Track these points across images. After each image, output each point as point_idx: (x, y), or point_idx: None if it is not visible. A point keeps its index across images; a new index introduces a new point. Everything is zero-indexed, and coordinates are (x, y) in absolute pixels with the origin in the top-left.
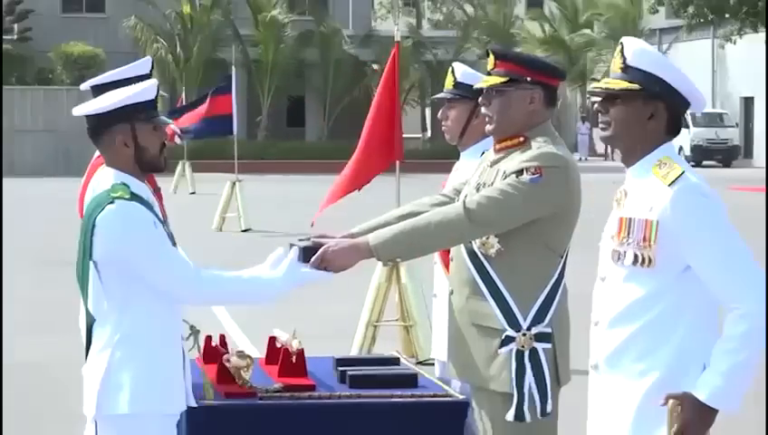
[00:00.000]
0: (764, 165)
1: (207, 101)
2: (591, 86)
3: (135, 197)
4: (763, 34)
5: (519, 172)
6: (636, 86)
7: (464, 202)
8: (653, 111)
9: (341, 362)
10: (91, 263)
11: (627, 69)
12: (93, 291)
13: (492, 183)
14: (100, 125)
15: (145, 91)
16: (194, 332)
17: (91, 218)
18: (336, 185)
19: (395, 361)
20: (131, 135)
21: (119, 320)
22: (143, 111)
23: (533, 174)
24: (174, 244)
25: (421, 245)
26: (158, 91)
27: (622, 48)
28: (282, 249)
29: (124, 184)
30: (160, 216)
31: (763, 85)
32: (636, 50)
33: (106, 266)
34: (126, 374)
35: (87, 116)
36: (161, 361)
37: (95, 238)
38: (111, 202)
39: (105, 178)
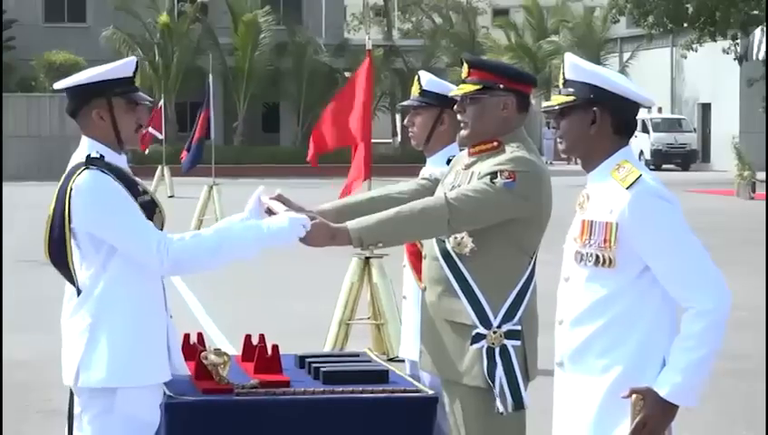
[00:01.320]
0: (723, 169)
1: (197, 125)
2: (543, 105)
3: (108, 166)
4: (719, 43)
5: (493, 175)
6: (571, 98)
7: (445, 195)
8: (592, 117)
9: (305, 358)
10: (68, 230)
11: (566, 83)
12: (74, 258)
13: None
14: (77, 98)
15: (122, 66)
16: None
17: (67, 187)
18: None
19: (358, 356)
20: (107, 109)
21: (96, 287)
22: (119, 86)
23: (507, 178)
24: (151, 217)
25: (403, 232)
26: (136, 68)
27: (563, 65)
28: (257, 193)
29: (99, 154)
30: (140, 187)
31: (720, 92)
32: (570, 64)
33: (82, 233)
34: (104, 345)
35: (66, 91)
36: (141, 330)
37: (72, 206)
38: (85, 169)
39: (81, 148)
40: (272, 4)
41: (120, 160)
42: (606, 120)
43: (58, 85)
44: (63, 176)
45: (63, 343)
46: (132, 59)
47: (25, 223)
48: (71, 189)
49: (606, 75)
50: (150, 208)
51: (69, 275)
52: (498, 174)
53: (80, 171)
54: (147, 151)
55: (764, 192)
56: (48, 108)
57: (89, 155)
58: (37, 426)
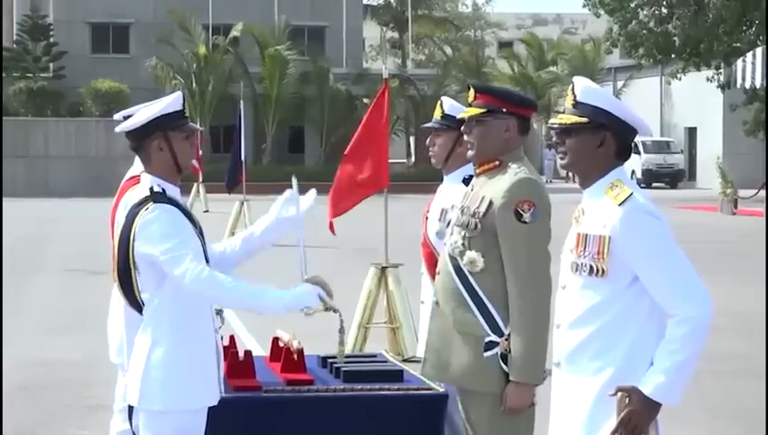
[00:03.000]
0: (708, 186)
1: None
2: (550, 122)
3: (171, 201)
4: (703, 72)
5: (517, 215)
6: (584, 119)
7: (522, 280)
8: (601, 139)
9: (327, 358)
10: (132, 258)
11: (577, 105)
12: (136, 287)
13: (477, 208)
14: (138, 138)
15: (172, 103)
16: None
17: (134, 219)
18: (336, 200)
19: (375, 357)
20: (166, 142)
21: (155, 316)
22: (173, 120)
23: (529, 209)
24: (204, 248)
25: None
26: (184, 102)
27: (573, 87)
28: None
29: (162, 189)
30: (196, 220)
31: (705, 117)
32: (583, 88)
33: (143, 264)
34: (160, 372)
35: (127, 133)
36: (193, 358)
37: (138, 236)
38: (152, 203)
39: (143, 183)
40: (297, 36)
41: (176, 192)
42: (612, 144)
43: (119, 129)
44: (127, 210)
45: (131, 362)
46: (179, 94)
47: (72, 236)
48: (137, 223)
49: (619, 103)
50: (203, 239)
51: (133, 300)
52: (519, 209)
53: (147, 206)
54: (200, 176)
55: (746, 208)
56: (95, 131)
57: (152, 188)
58: (82, 419)
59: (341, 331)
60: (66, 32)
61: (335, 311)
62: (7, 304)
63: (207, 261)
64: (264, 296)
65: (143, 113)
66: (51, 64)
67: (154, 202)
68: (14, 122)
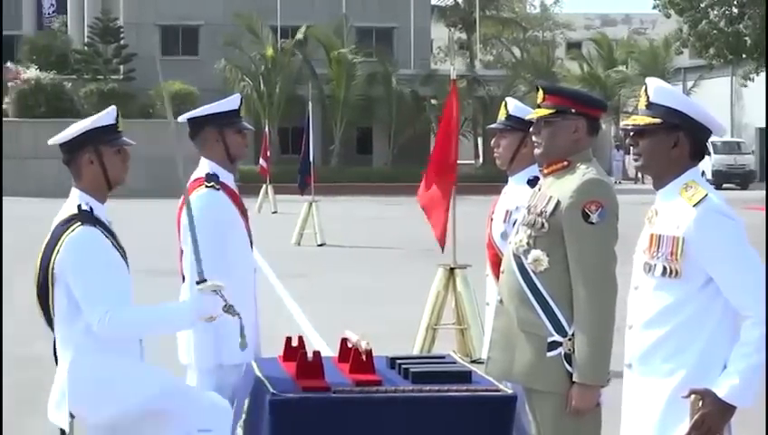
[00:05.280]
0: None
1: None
2: (623, 123)
3: (97, 221)
4: None
5: (584, 215)
6: (658, 120)
7: (588, 278)
8: (675, 140)
9: (395, 359)
10: (51, 276)
11: (650, 105)
12: (51, 303)
13: (544, 208)
14: (69, 151)
15: (105, 116)
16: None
17: (59, 238)
18: (434, 212)
19: (443, 358)
20: (96, 156)
21: (78, 334)
22: (105, 134)
23: (597, 209)
24: (127, 265)
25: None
26: (117, 115)
27: (646, 88)
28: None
29: (89, 207)
30: (119, 240)
31: None
32: (656, 88)
33: (60, 284)
34: (87, 387)
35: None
36: (114, 372)
37: (58, 259)
38: (78, 225)
39: (72, 199)
40: (365, 37)
41: (102, 210)
42: (685, 145)
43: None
44: (56, 227)
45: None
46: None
47: (142, 236)
48: (62, 241)
49: (692, 103)
50: (124, 256)
51: (47, 314)
52: (586, 210)
53: (73, 226)
54: (268, 178)
55: None
56: (164, 132)
57: (80, 206)
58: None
59: (242, 335)
60: (136, 34)
61: (234, 313)
62: None
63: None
64: (168, 317)
65: (75, 126)
66: (121, 67)
67: (81, 223)
68: None
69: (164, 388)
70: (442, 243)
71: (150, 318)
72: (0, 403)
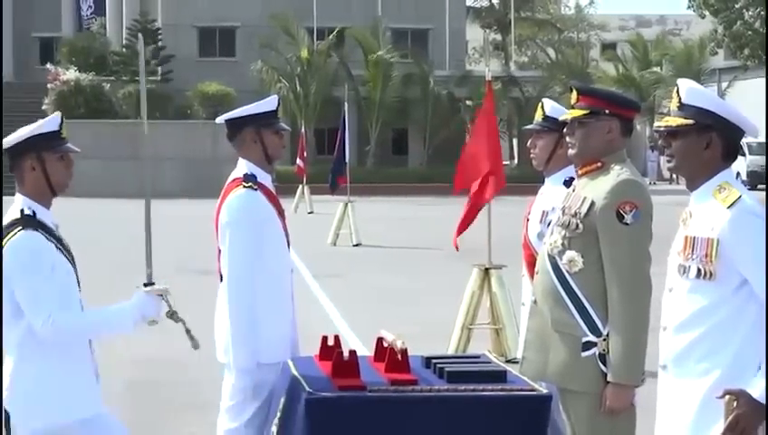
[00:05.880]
0: None
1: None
2: (656, 124)
3: (40, 225)
4: None
5: (618, 216)
6: (690, 121)
7: (625, 276)
8: (708, 141)
9: (430, 359)
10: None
11: (682, 107)
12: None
13: (578, 209)
14: (12, 157)
15: (47, 123)
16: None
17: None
18: (466, 214)
19: (478, 358)
20: (38, 162)
21: (23, 337)
22: (47, 140)
23: (631, 210)
24: (75, 271)
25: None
26: (61, 122)
27: (678, 89)
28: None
29: (32, 212)
30: (65, 243)
31: None
32: (688, 90)
33: (3, 288)
34: (30, 387)
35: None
36: (63, 374)
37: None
38: (19, 229)
39: (16, 204)
40: (400, 39)
41: (47, 215)
42: (718, 145)
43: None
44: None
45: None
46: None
47: (179, 236)
48: (4, 246)
49: (724, 104)
50: (72, 259)
51: None
52: (620, 211)
53: (14, 231)
54: (304, 178)
55: None
56: (201, 133)
57: (22, 210)
58: (190, 417)
59: (191, 337)
60: (174, 36)
61: (178, 320)
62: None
63: (79, 282)
64: (111, 320)
65: (19, 132)
66: (159, 68)
67: (23, 228)
68: (123, 125)
69: (90, 414)
70: (455, 243)
71: (93, 321)
72: (0, 404)
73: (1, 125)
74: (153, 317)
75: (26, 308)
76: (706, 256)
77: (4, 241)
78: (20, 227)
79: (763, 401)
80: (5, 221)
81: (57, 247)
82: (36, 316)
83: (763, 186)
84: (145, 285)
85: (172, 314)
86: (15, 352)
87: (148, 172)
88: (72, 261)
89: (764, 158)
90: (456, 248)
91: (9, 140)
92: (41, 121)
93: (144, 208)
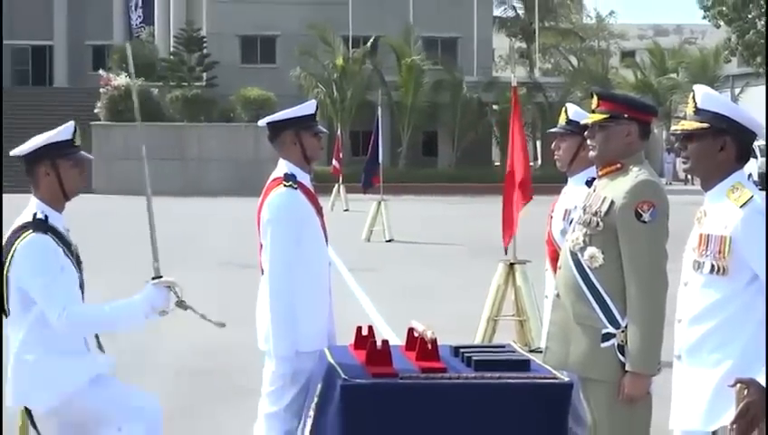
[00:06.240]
0: None
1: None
2: (672, 128)
3: (50, 229)
4: None
5: (637, 215)
6: (705, 125)
7: (641, 268)
8: (722, 144)
9: (458, 348)
10: (5, 277)
11: (698, 111)
12: (6, 298)
13: (599, 208)
14: (28, 163)
15: (62, 132)
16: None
17: (12, 245)
18: (507, 217)
19: (504, 347)
20: (53, 169)
21: (27, 327)
22: (61, 148)
23: (649, 209)
24: (80, 275)
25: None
26: (74, 131)
27: (694, 95)
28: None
29: (44, 216)
30: (74, 247)
31: None
32: (703, 95)
33: (13, 286)
34: (28, 372)
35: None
36: (57, 363)
37: (12, 262)
38: (30, 233)
39: (29, 208)
40: (430, 47)
41: (58, 219)
42: (732, 148)
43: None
44: (10, 234)
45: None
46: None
47: (223, 233)
48: (15, 247)
49: (737, 108)
50: (79, 265)
51: (2, 308)
52: (639, 210)
53: (25, 234)
54: (340, 178)
55: None
56: (243, 136)
57: (35, 214)
58: (233, 401)
59: (209, 320)
60: (218, 44)
61: (186, 307)
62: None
63: (83, 287)
64: (123, 312)
65: (33, 140)
66: (204, 74)
67: (33, 231)
68: (170, 127)
69: (97, 381)
70: (506, 244)
71: (105, 313)
72: (0, 400)
73: (1, 128)
74: (163, 308)
75: (42, 304)
76: (720, 252)
77: (16, 243)
78: (31, 230)
79: None
80: (18, 223)
81: (65, 253)
82: (52, 310)
83: None
84: (153, 278)
85: (181, 304)
86: (18, 347)
87: (146, 171)
88: (78, 267)
89: None
90: (506, 251)
91: (25, 148)
92: (56, 130)
93: (147, 206)
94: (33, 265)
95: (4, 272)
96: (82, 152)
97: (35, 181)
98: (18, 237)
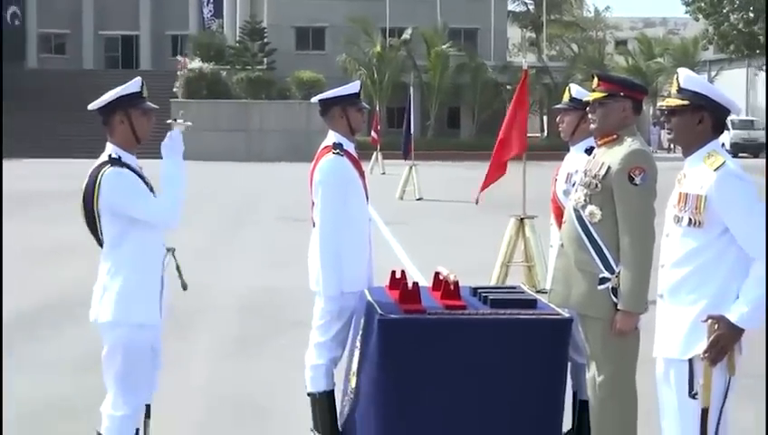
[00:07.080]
0: None
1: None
2: (659, 104)
3: (124, 164)
4: None
5: (630, 178)
6: (686, 102)
7: (633, 231)
8: (700, 118)
9: (477, 289)
10: (96, 210)
11: (680, 90)
12: (99, 230)
13: (597, 172)
14: (105, 114)
15: (130, 85)
16: (170, 251)
17: (97, 177)
18: (489, 172)
19: (515, 288)
20: (126, 117)
21: (119, 253)
22: (131, 99)
23: (640, 173)
24: (152, 191)
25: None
26: (142, 85)
27: (677, 76)
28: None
29: (118, 156)
30: (147, 179)
31: None
32: (685, 77)
33: (104, 213)
34: (115, 294)
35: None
36: (143, 287)
37: (100, 192)
38: (109, 167)
39: (106, 151)
40: (454, 36)
41: (132, 160)
42: (708, 122)
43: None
44: (93, 170)
45: (95, 287)
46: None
47: (280, 192)
48: (99, 181)
49: (714, 88)
50: (152, 190)
51: (98, 239)
52: (631, 174)
53: (105, 170)
54: (378, 146)
55: None
56: (298, 111)
57: (110, 154)
58: (287, 332)
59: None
60: (276, 33)
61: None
62: (235, 245)
63: None
64: (175, 173)
65: (107, 95)
66: (265, 59)
67: (111, 165)
68: (237, 104)
69: (155, 322)
70: (478, 195)
71: (171, 185)
72: (0, 401)
73: (1, 109)
74: (180, 145)
75: (136, 210)
76: (696, 208)
77: (98, 177)
78: (108, 165)
79: (739, 325)
80: (95, 165)
81: (143, 181)
82: (145, 210)
83: (744, 154)
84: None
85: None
86: (110, 265)
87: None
88: (152, 191)
89: (745, 132)
90: (476, 202)
91: (101, 101)
92: (126, 84)
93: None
94: (119, 187)
95: (94, 206)
96: (149, 103)
97: (111, 129)
98: (99, 173)
